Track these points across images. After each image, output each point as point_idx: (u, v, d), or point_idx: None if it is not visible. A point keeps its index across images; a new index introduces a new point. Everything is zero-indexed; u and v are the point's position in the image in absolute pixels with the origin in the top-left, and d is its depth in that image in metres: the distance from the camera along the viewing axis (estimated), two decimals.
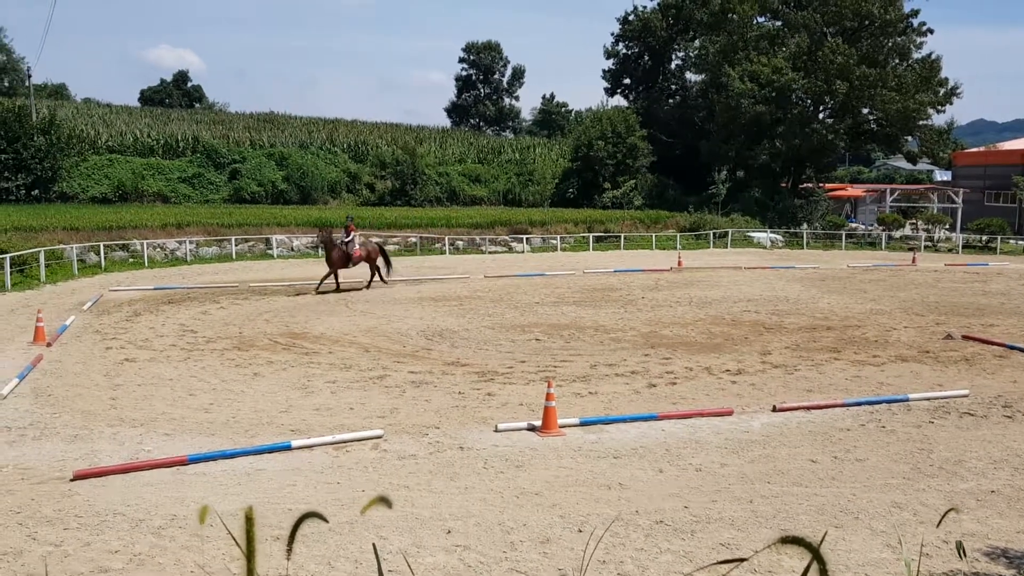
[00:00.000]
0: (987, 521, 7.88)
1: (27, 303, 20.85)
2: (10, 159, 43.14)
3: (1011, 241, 44.90)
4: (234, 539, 1.64)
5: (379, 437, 10.12)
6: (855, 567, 6.84)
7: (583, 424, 10.85)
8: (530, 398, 12.21)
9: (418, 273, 29.90)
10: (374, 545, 2.65)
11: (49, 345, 15.60)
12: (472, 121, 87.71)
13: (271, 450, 9.53)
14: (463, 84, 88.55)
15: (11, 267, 23.41)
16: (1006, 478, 9.09)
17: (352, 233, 25.02)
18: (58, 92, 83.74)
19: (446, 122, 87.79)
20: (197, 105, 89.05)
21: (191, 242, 33.80)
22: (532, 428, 10.59)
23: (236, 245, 34.95)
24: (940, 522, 3.17)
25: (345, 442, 9.88)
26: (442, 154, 62.88)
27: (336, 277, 24.57)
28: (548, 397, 10.58)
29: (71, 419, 10.82)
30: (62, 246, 28.74)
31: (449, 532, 7.40)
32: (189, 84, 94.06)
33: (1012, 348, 16.56)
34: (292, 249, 37.02)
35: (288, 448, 9.60)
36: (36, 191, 44.29)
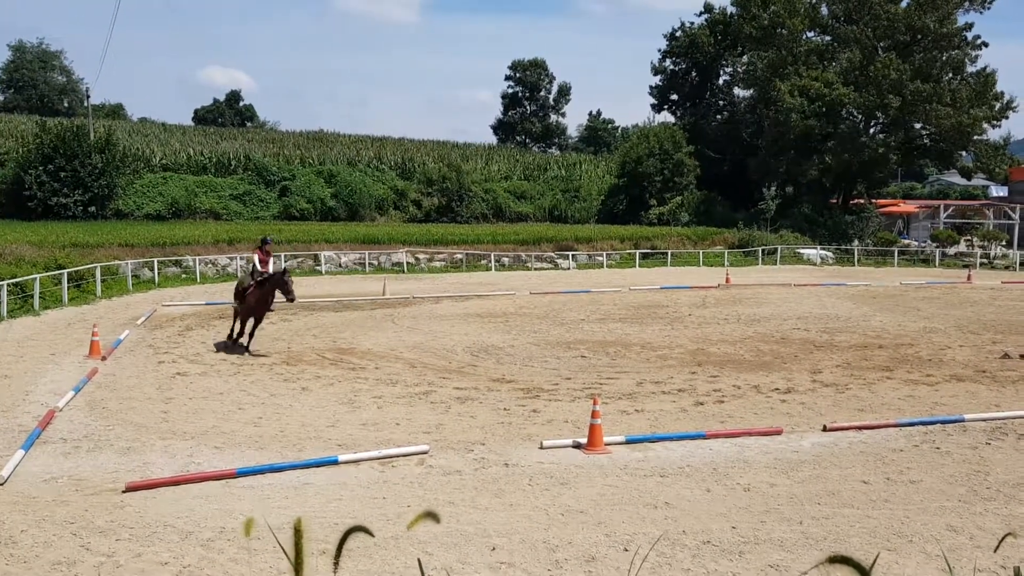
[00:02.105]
0: None
1: (83, 317, 21.37)
2: (68, 177, 44.42)
3: None
4: (283, 551, 1.66)
5: (425, 453, 10.14)
6: None
7: (629, 442, 10.75)
8: (575, 415, 12.14)
9: (464, 289, 30.02)
10: (419, 560, 2.67)
11: (104, 359, 15.95)
12: (518, 138, 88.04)
13: (318, 464, 9.59)
14: (509, 101, 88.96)
15: (68, 282, 24.03)
16: None
17: (270, 262, 17.98)
18: (115, 112, 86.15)
19: (492, 139, 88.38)
20: (248, 124, 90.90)
21: (242, 258, 34.38)
22: (577, 445, 10.52)
23: (285, 261, 35.42)
24: (998, 547, 3.08)
25: (391, 457, 9.91)
26: (488, 171, 63.23)
27: (243, 328, 17.38)
28: (594, 414, 10.51)
29: (124, 432, 11.03)
30: (117, 262, 29.45)
31: (494, 549, 7.37)
32: (241, 103, 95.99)
33: None
34: (340, 265, 37.45)
35: (335, 463, 9.65)
36: (93, 208, 45.51)
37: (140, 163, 51.82)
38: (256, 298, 16.94)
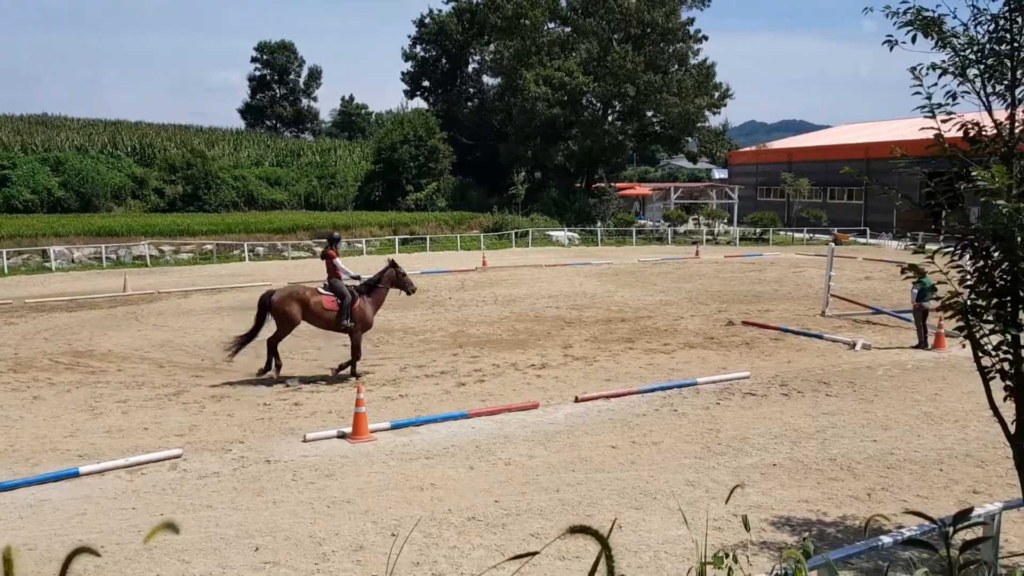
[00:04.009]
0: (771, 493, 8.59)
1: None
2: None
3: (781, 232, 49.11)
4: None
5: (177, 457, 9.65)
6: (655, 545, 7.26)
7: (394, 427, 10.84)
8: (339, 405, 12.03)
9: (216, 282, 28.60)
10: None
11: None
12: (268, 123, 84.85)
13: (56, 478, 8.86)
14: (257, 84, 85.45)
15: None
16: (786, 452, 9.95)
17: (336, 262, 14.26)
18: None
19: (240, 124, 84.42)
20: None
21: None
22: (342, 435, 10.45)
23: (8, 259, 32.02)
24: (728, 498, 3.43)
25: (140, 464, 9.35)
26: (237, 157, 60.50)
27: (358, 352, 14.25)
28: (358, 403, 10.48)
29: None
30: None
31: (257, 549, 7.17)
32: None
33: (786, 331, 18.13)
34: (73, 261, 34.39)
35: (76, 475, 8.96)
36: None
37: None
38: (374, 307, 14.29)
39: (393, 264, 14.59)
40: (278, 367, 13.84)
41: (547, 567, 6.78)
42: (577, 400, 12.26)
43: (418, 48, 65.84)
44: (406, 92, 67.94)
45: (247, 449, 10.05)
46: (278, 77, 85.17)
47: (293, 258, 38.73)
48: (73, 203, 47.85)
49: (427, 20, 64.56)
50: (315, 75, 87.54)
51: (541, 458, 9.69)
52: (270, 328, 14.05)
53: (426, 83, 67.09)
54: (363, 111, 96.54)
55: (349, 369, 14.01)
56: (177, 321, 20.15)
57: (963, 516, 2.51)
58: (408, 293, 14.74)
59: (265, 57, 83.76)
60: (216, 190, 51.71)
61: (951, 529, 2.41)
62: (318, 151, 65.91)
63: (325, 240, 14.60)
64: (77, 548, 1.68)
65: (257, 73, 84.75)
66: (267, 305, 13.87)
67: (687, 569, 6.71)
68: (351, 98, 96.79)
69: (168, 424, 11.21)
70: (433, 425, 11.01)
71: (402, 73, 67.27)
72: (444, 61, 65.64)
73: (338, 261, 14.17)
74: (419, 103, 67.14)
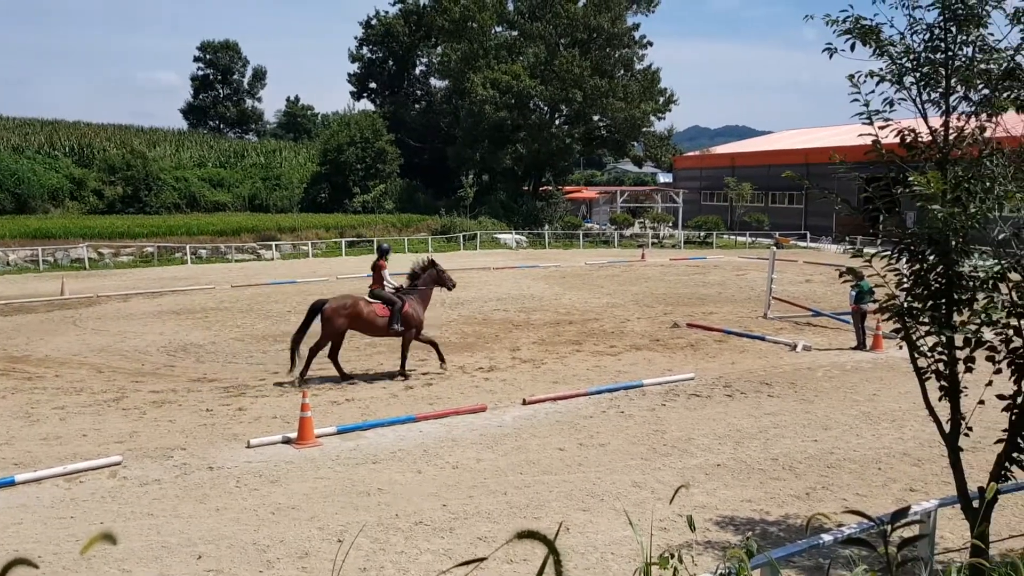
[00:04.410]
0: (715, 493, 8.71)
1: None
2: None
3: (725, 236, 49.85)
4: None
5: (117, 464, 9.44)
6: (602, 547, 7.30)
7: (340, 432, 10.73)
8: (284, 410, 11.89)
9: (157, 285, 28.03)
10: None
11: None
12: (211, 123, 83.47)
13: None
14: (200, 84, 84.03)
15: None
16: (729, 452, 10.09)
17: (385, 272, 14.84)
18: None
19: (183, 124, 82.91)
20: None
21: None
22: (287, 441, 10.32)
23: None
24: (673, 498, 3.46)
25: (78, 472, 9.13)
26: (179, 158, 59.41)
27: (439, 345, 15.14)
28: (303, 408, 10.37)
29: None
30: None
31: (200, 557, 7.05)
32: None
33: (729, 333, 18.41)
34: (8, 264, 33.42)
35: (12, 483, 8.74)
36: None
37: None
38: (422, 306, 14.74)
39: (433, 263, 15.01)
40: (303, 375, 13.79)
41: (495, 570, 6.78)
42: (525, 403, 12.29)
43: (365, 49, 65.38)
44: (353, 94, 67.45)
45: (189, 456, 9.87)
46: (222, 77, 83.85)
47: (236, 260, 38.16)
48: (8, 204, 46.46)
49: (374, 21, 64.17)
50: (259, 75, 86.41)
51: (489, 461, 9.69)
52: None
53: (373, 85, 66.66)
54: (309, 112, 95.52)
55: (439, 356, 14.76)
56: (117, 325, 19.71)
57: (901, 514, 2.57)
58: (449, 289, 15.24)
59: (208, 57, 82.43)
60: (157, 191, 50.66)
61: (889, 527, 2.46)
62: (263, 152, 65.04)
63: (377, 251, 15.34)
64: (13, 559, 1.63)
65: (200, 73, 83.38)
66: (320, 311, 13.90)
67: (633, 570, 6.78)
68: (296, 99, 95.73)
69: (107, 431, 10.95)
70: (380, 429, 10.94)
71: (348, 74, 66.79)
72: (391, 63, 65.28)
73: (386, 272, 14.63)
74: (366, 105, 66.73)
